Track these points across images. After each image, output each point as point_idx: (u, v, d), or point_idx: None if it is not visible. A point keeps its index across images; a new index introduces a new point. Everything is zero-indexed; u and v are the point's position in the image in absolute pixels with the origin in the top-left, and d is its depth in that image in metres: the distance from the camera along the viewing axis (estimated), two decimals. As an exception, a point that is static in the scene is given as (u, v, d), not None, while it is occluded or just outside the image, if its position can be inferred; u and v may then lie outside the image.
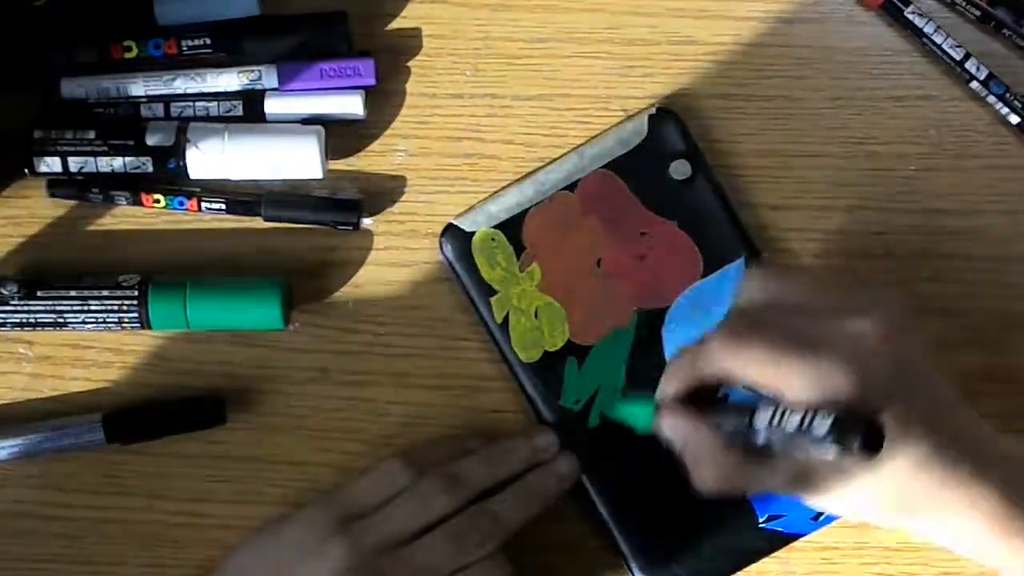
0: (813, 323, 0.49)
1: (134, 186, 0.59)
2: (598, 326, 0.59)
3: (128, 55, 0.59)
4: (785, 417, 0.48)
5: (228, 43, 0.58)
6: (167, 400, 0.59)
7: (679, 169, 0.58)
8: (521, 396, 0.59)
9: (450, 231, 0.59)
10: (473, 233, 0.59)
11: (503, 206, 0.59)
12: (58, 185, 0.59)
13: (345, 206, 0.59)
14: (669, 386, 0.52)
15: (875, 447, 0.46)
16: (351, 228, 0.59)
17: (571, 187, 0.59)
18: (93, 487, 0.60)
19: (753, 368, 0.49)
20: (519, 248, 0.59)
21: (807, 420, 0.47)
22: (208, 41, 0.58)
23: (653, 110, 0.59)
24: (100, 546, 0.60)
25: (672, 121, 0.59)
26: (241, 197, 0.59)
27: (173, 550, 0.60)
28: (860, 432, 0.46)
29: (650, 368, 0.57)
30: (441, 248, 0.59)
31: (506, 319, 0.59)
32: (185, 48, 0.58)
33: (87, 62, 0.59)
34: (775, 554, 0.59)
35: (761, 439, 0.49)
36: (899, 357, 0.49)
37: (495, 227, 0.59)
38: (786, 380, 0.48)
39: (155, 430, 0.59)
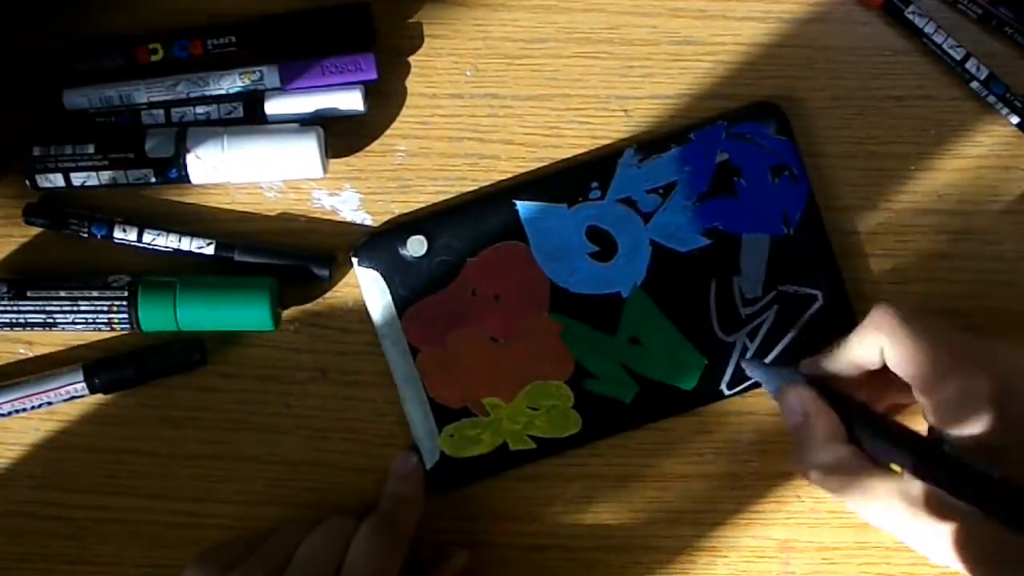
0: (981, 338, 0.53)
1: (110, 224, 0.58)
2: (560, 356, 0.59)
3: (154, 58, 0.58)
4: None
5: (254, 41, 0.58)
6: (147, 347, 0.59)
7: (415, 248, 0.58)
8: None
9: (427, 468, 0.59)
10: (444, 454, 0.59)
11: (420, 421, 0.59)
12: (33, 213, 0.59)
13: (317, 258, 0.59)
14: (814, 365, 0.55)
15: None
16: (323, 279, 0.59)
17: (413, 352, 0.59)
18: (93, 487, 0.60)
19: (908, 345, 0.51)
20: (462, 412, 0.59)
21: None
22: (234, 39, 0.58)
23: (354, 263, 0.59)
24: (100, 546, 0.60)
25: (371, 245, 0.59)
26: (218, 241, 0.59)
27: (173, 550, 0.60)
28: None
29: (605, 309, 0.58)
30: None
31: (534, 437, 0.59)
32: (211, 47, 0.58)
33: (115, 67, 0.58)
34: (775, 554, 0.59)
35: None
36: None
37: (440, 432, 0.59)
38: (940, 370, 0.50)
39: (136, 377, 0.58)
